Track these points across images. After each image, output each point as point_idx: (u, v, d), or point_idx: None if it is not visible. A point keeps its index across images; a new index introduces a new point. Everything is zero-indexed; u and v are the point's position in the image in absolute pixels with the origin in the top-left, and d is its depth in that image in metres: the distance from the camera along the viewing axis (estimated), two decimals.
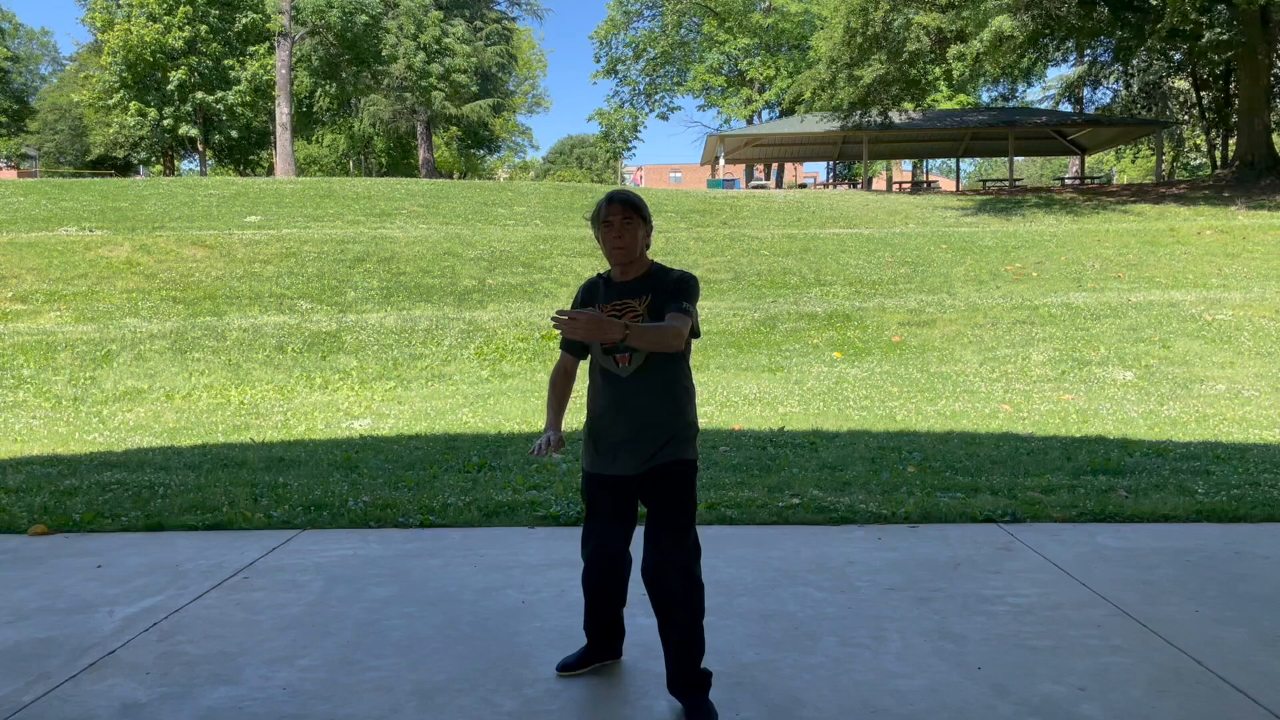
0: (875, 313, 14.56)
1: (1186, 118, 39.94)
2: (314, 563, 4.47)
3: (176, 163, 46.68)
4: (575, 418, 3.43)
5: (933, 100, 39.79)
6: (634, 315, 2.96)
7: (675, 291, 2.95)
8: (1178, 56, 32.99)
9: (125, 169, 48.12)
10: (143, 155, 44.09)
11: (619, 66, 53.11)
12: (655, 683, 3.16)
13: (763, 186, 40.40)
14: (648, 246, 3.04)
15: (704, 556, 3.04)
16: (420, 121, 46.01)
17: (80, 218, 19.30)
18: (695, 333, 2.99)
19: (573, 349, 3.15)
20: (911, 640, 3.48)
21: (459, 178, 50.55)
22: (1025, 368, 11.62)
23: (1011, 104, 39.26)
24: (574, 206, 23.48)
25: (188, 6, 38.17)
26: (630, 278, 3.02)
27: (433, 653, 3.42)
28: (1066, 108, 42.03)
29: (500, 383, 11.73)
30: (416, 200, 23.27)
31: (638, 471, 2.96)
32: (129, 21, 37.91)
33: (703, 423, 8.31)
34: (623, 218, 2.96)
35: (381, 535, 4.94)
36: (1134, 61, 34.73)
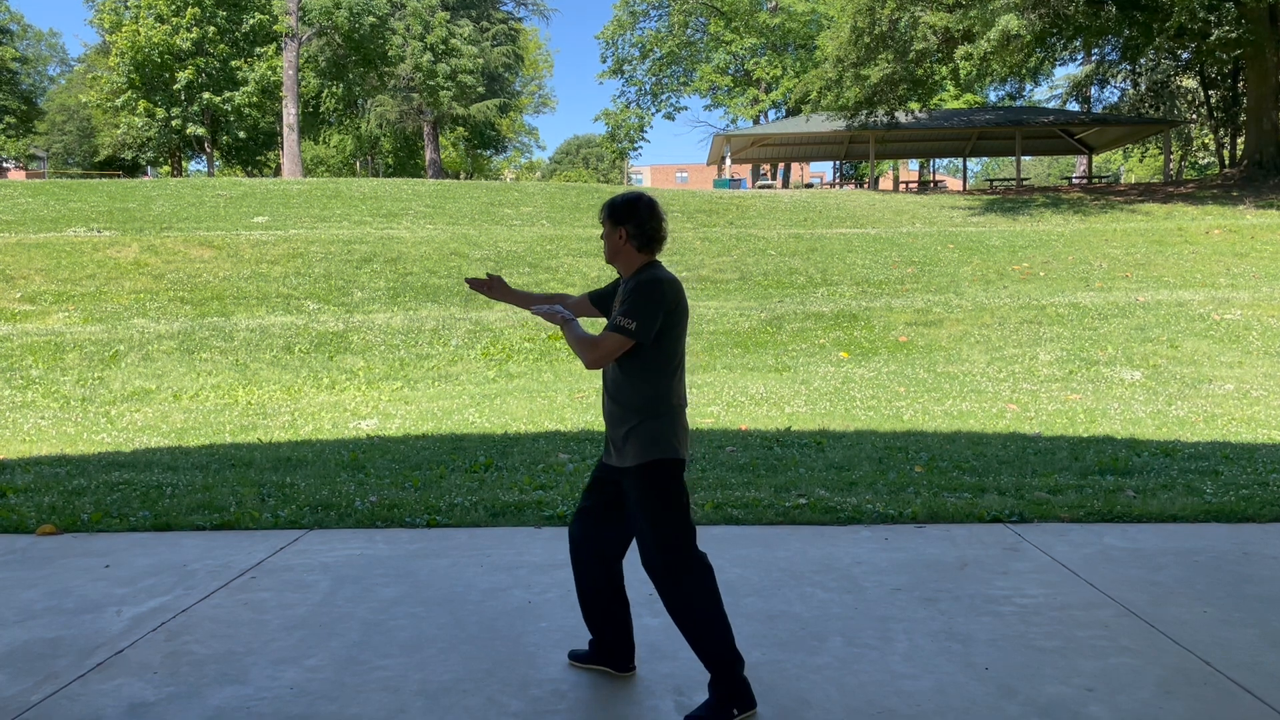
0: (882, 313, 14.53)
1: (1194, 117, 39.79)
2: (321, 563, 4.48)
3: (184, 163, 46.75)
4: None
5: (939, 100, 39.69)
6: (611, 314, 3.07)
7: (622, 301, 2.99)
8: (1186, 55, 32.87)
9: (133, 170, 48.27)
10: (150, 156, 44.21)
11: (625, 66, 53.07)
12: (661, 684, 3.16)
13: (769, 186, 40.36)
14: (638, 248, 3.02)
15: (710, 557, 3.04)
16: (427, 122, 46.07)
17: (88, 218, 19.36)
18: (642, 340, 2.89)
19: None
20: (918, 641, 3.47)
21: (465, 178, 50.61)
22: (1032, 367, 11.59)
23: (1019, 103, 39.17)
24: (580, 207, 23.48)
25: (195, 8, 38.26)
26: (624, 277, 3.12)
27: (439, 653, 3.43)
28: (1074, 107, 41.89)
29: (507, 383, 11.74)
30: (423, 201, 23.30)
31: (617, 465, 3.04)
32: (137, 23, 38.01)
33: (709, 423, 8.31)
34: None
35: (388, 535, 4.95)
36: (1142, 60, 34.59)
